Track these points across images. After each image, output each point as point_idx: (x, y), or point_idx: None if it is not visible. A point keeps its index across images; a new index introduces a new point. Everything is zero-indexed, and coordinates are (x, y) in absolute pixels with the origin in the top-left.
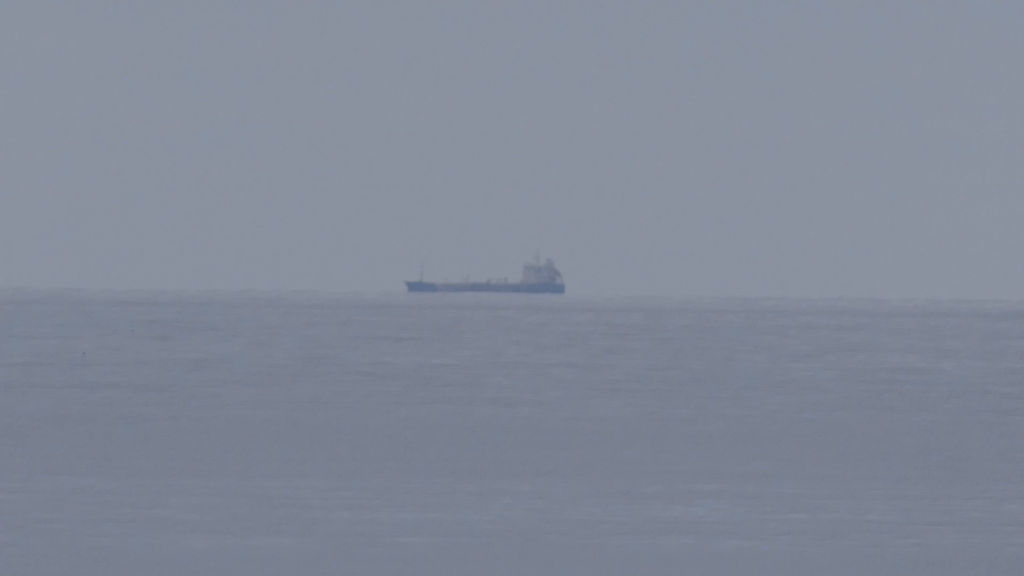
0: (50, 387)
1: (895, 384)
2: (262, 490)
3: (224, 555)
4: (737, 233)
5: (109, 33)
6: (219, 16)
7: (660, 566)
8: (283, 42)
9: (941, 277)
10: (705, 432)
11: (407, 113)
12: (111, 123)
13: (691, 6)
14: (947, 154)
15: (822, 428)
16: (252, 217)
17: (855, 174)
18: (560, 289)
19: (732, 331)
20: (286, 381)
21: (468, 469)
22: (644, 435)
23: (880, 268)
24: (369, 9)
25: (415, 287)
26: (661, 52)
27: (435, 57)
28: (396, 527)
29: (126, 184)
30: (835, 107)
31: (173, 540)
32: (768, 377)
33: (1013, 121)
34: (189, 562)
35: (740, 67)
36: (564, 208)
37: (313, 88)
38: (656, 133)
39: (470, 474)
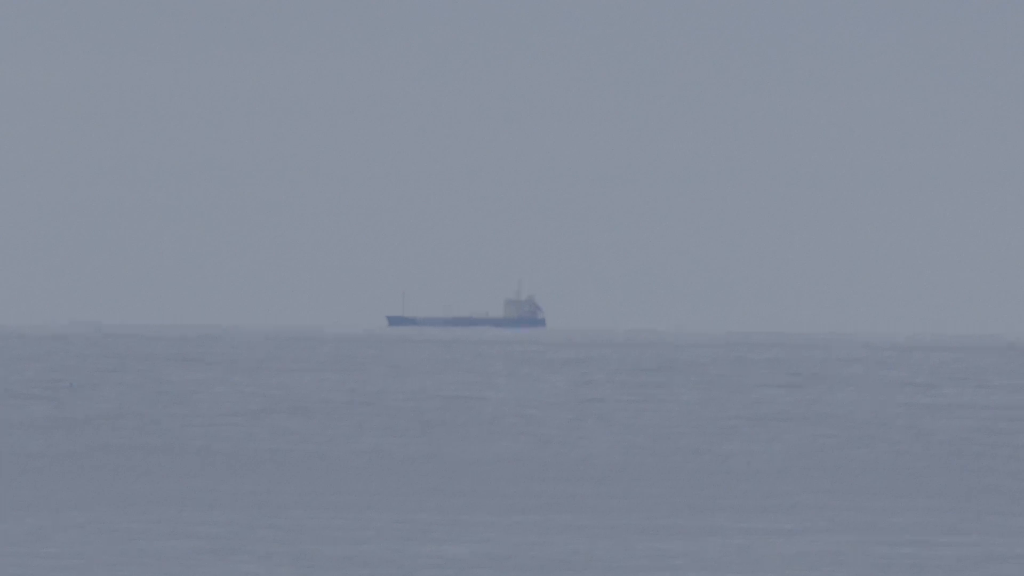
0: (39, 419)
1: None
2: (288, 522)
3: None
4: (722, 267)
5: (97, 64)
6: (204, 48)
7: None
8: (264, 73)
9: (930, 310)
10: (725, 467)
11: (386, 145)
12: (89, 157)
13: (680, 38)
14: (936, 185)
15: (861, 460)
16: (224, 250)
17: (847, 206)
18: (541, 323)
19: (725, 364)
20: (319, 415)
21: (524, 504)
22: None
23: (875, 301)
24: (349, 42)
25: (396, 321)
26: (644, 82)
27: (415, 91)
28: (421, 558)
29: (101, 218)
30: (826, 136)
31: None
32: (783, 410)
33: (1005, 152)
34: None
35: (729, 97)
36: (545, 242)
37: (291, 120)
38: (639, 166)
39: (529, 508)
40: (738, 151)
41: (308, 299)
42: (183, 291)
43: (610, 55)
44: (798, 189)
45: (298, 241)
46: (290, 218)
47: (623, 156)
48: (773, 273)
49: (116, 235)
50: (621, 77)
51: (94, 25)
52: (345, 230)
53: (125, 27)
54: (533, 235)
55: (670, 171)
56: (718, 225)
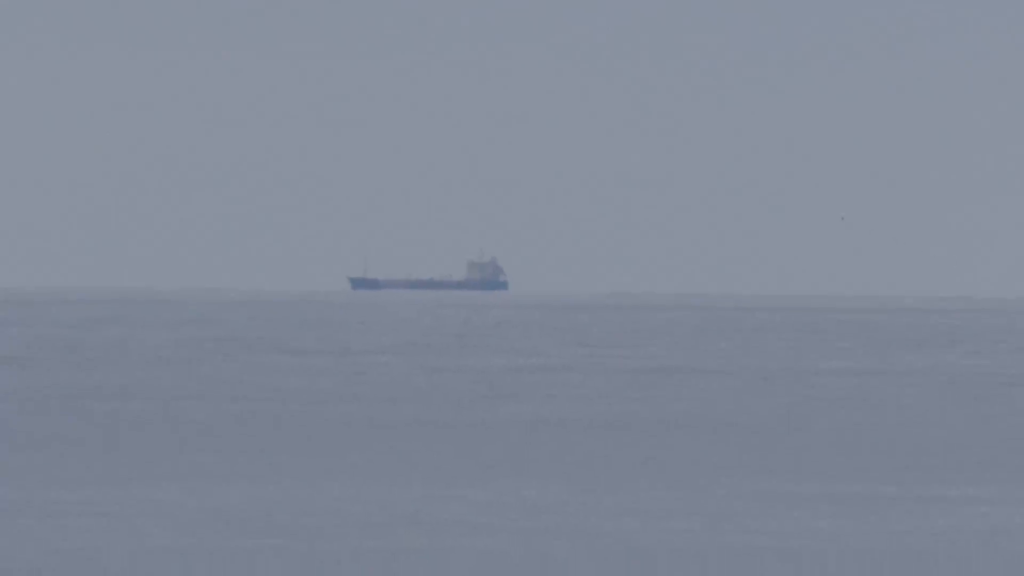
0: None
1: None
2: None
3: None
4: (684, 229)
5: (102, 57)
6: (178, 42)
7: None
8: (234, 54)
9: (938, 275)
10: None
11: (349, 107)
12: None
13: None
14: (952, 153)
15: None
16: (186, 213)
17: (832, 178)
18: (504, 286)
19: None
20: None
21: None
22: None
23: (836, 265)
24: (323, 29)
25: (359, 283)
26: (616, 45)
27: (380, 54)
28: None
29: (72, 184)
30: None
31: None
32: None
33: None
34: None
35: (708, 67)
36: (507, 205)
37: (256, 87)
38: (604, 129)
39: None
40: (716, 115)
41: (267, 261)
42: (140, 255)
43: (578, 26)
44: (759, 156)
45: (259, 203)
46: (253, 180)
47: (589, 120)
48: (736, 235)
49: (73, 200)
50: (594, 43)
51: (85, 23)
52: (306, 192)
53: (113, 24)
54: (495, 198)
55: (642, 133)
56: (687, 188)
